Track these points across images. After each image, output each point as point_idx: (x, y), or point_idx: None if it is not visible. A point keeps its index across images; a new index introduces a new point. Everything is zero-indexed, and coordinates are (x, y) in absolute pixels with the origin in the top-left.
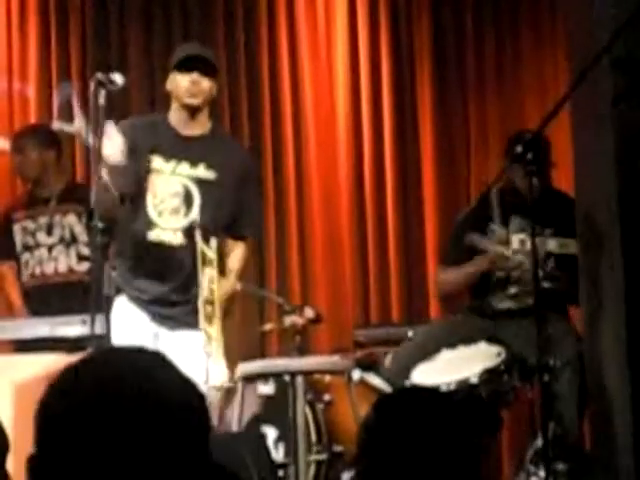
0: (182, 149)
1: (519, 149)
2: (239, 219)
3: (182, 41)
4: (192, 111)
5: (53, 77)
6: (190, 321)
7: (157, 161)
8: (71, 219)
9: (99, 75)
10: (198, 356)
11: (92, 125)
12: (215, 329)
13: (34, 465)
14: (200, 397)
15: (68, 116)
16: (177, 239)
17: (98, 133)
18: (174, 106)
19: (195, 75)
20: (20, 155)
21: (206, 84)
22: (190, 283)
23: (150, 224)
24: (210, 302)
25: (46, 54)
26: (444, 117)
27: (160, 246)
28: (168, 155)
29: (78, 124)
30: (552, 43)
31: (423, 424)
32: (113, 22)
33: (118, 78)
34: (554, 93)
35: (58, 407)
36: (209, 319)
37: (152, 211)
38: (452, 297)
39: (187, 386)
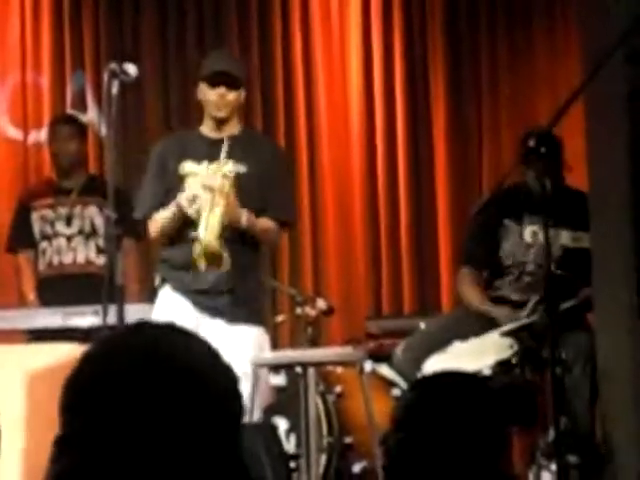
0: (212, 150)
1: (532, 143)
2: (269, 203)
3: (195, 32)
4: (220, 121)
5: (67, 68)
6: (234, 313)
7: (189, 165)
8: (92, 211)
9: (113, 65)
10: (239, 348)
11: (105, 115)
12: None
13: (62, 445)
14: (234, 379)
15: (81, 106)
16: None
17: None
18: (205, 114)
19: (222, 89)
20: (59, 143)
21: (232, 96)
22: (232, 272)
23: (190, 222)
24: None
25: (60, 45)
26: (457, 108)
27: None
28: (199, 157)
29: (91, 114)
30: (565, 36)
31: (460, 406)
32: (127, 12)
33: (131, 68)
34: (566, 86)
35: (88, 383)
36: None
37: (191, 210)
38: None
39: (223, 367)
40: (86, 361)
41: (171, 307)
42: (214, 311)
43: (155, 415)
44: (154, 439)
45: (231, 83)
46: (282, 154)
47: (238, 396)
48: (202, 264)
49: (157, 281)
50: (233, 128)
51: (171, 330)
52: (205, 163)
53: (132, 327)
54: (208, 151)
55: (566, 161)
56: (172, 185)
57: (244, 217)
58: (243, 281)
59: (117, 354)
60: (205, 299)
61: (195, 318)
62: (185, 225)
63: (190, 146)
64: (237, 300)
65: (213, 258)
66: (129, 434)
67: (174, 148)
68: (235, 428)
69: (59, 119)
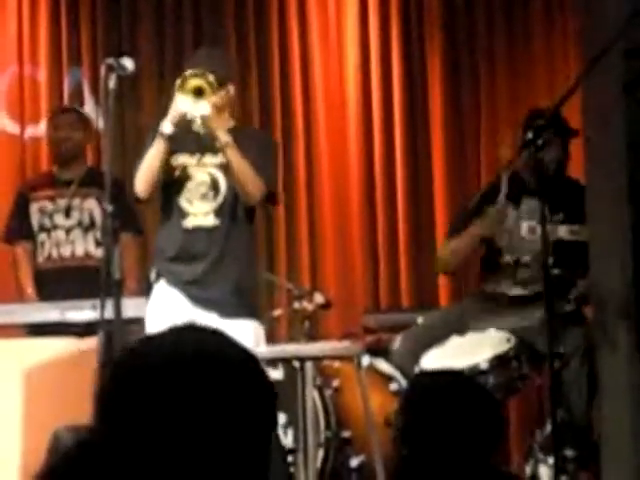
0: (204, 144)
1: (530, 135)
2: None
3: (193, 26)
4: None
5: (64, 62)
6: (228, 306)
7: (182, 158)
8: (91, 204)
9: (110, 60)
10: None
11: (102, 109)
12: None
13: (95, 437)
14: (271, 385)
15: (78, 100)
16: (208, 221)
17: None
18: None
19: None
20: (63, 131)
21: (215, 98)
22: (224, 261)
23: (183, 213)
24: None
25: (57, 39)
26: (455, 102)
27: (194, 231)
28: (192, 150)
29: (88, 108)
30: (563, 26)
31: (454, 407)
32: (124, 6)
33: (128, 63)
34: (564, 76)
35: (126, 378)
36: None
37: (183, 201)
38: (453, 270)
39: (263, 373)
40: (129, 355)
41: (165, 301)
42: (207, 303)
43: (194, 415)
44: (191, 439)
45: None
46: (267, 137)
47: (274, 402)
48: (187, 95)
49: (152, 276)
50: (224, 125)
51: (216, 333)
52: (197, 156)
53: (178, 328)
54: (200, 145)
55: (572, 129)
56: (165, 173)
57: (227, 136)
58: (235, 269)
59: (161, 353)
60: (198, 290)
61: (189, 312)
62: (177, 214)
63: (185, 140)
64: (230, 292)
65: (198, 90)
66: (167, 431)
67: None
68: (267, 436)
69: (63, 108)
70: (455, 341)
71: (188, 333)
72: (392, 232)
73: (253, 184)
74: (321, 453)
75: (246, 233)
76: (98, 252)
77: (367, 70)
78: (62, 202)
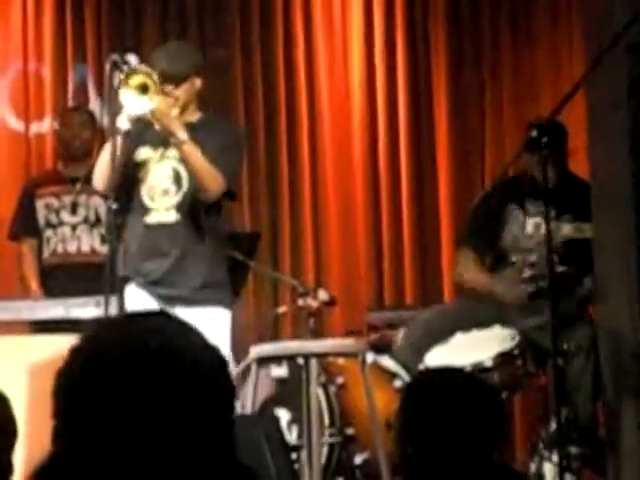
0: (167, 138)
1: (533, 134)
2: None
3: (197, 23)
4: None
5: (68, 58)
6: (197, 298)
7: (145, 151)
8: (97, 200)
9: (114, 56)
10: (209, 333)
11: (107, 106)
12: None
13: (57, 435)
14: (223, 361)
15: (83, 97)
16: (170, 216)
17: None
18: None
19: (168, 88)
20: (74, 129)
21: (178, 92)
22: (188, 258)
23: (145, 210)
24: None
25: (61, 35)
26: (459, 99)
27: (156, 227)
28: (155, 144)
29: (93, 105)
30: (567, 23)
31: (455, 404)
32: (128, 3)
33: (133, 59)
34: (569, 73)
35: (81, 373)
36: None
37: (145, 197)
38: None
39: (210, 350)
40: (76, 351)
41: (136, 303)
42: (175, 301)
43: (147, 404)
44: (145, 428)
45: (172, 81)
46: (234, 131)
47: (228, 379)
48: (131, 90)
49: (125, 272)
50: (189, 117)
51: (160, 318)
52: (161, 150)
53: (122, 317)
54: (164, 138)
55: (570, 147)
56: (129, 172)
57: (183, 132)
58: (200, 265)
59: (107, 343)
60: (164, 289)
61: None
62: (139, 210)
63: (149, 134)
64: (196, 288)
65: (143, 87)
66: (121, 422)
67: (131, 140)
68: (227, 412)
69: (73, 107)
70: (459, 338)
71: (136, 321)
72: (396, 229)
73: (211, 181)
74: (325, 450)
75: (211, 228)
76: (104, 249)
77: (372, 69)
78: (68, 199)
